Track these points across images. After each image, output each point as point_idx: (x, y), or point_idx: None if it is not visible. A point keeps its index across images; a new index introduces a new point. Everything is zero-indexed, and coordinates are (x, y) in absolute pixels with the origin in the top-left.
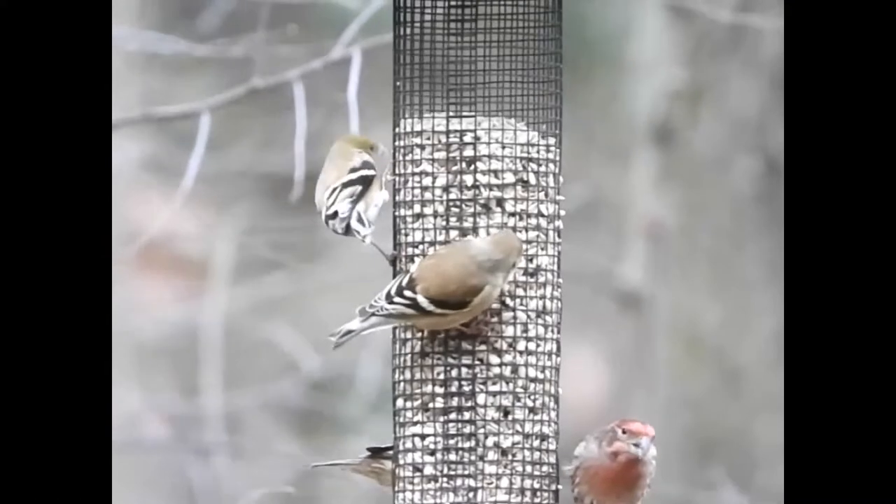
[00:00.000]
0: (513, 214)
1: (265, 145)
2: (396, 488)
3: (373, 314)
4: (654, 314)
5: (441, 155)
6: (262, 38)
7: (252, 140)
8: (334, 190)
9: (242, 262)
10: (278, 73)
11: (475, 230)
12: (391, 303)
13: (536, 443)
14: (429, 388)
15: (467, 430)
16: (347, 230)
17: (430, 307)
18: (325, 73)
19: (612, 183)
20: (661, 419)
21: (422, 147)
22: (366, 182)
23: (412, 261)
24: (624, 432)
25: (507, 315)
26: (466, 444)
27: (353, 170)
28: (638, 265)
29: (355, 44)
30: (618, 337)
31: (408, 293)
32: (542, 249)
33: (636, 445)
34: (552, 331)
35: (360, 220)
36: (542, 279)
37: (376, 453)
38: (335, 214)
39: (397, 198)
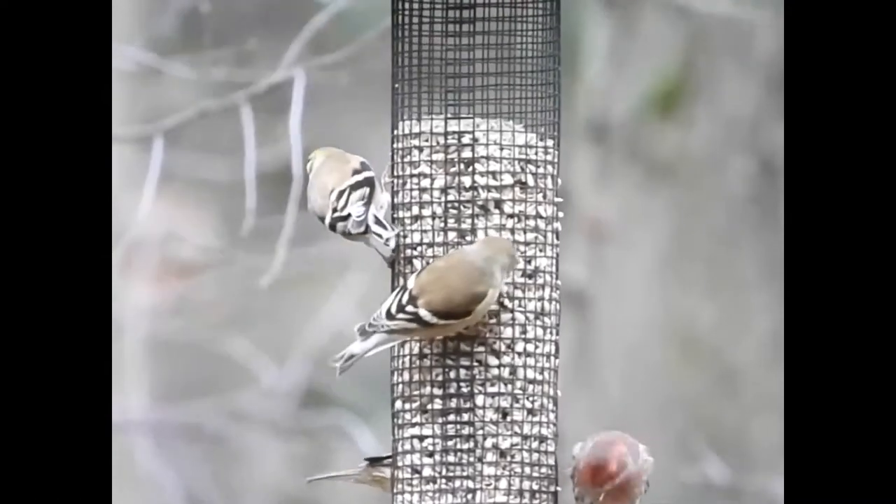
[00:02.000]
0: (511, 216)
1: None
2: (395, 490)
3: (374, 332)
4: (597, 314)
5: (439, 157)
6: (217, 53)
7: (210, 154)
8: (342, 193)
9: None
10: (227, 96)
11: (473, 232)
12: (392, 319)
13: (535, 444)
14: (427, 390)
15: (466, 431)
16: (364, 232)
17: (434, 320)
18: (274, 91)
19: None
20: (657, 420)
21: (420, 149)
22: (371, 184)
23: (410, 263)
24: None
25: (505, 317)
26: (465, 446)
27: (356, 171)
28: (581, 264)
29: (299, 64)
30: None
31: (409, 308)
32: (541, 251)
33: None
34: (551, 332)
35: (378, 223)
36: (540, 281)
37: (375, 462)
38: (347, 217)
39: (396, 199)
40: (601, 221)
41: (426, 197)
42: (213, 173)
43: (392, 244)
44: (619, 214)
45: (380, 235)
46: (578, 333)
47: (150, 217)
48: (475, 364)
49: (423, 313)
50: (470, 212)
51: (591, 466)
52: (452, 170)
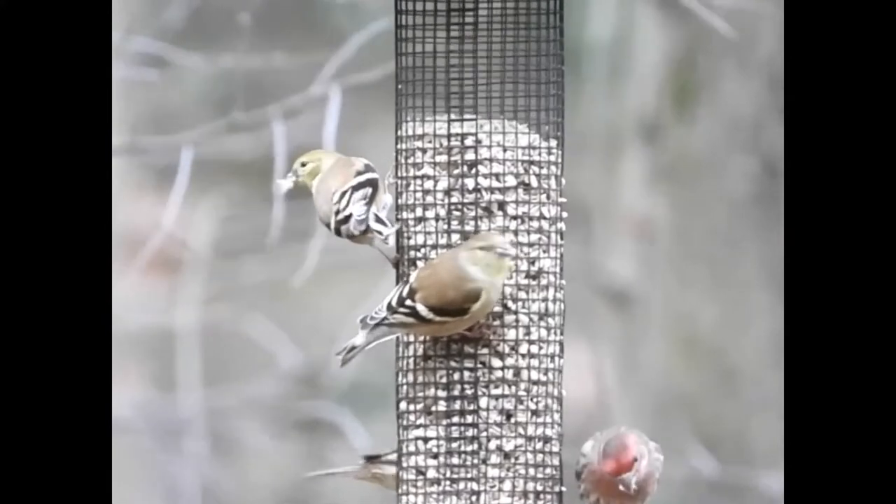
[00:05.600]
0: (514, 217)
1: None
2: (399, 491)
3: (376, 325)
4: (646, 313)
5: (442, 158)
6: (249, 63)
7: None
8: (344, 193)
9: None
10: (258, 108)
11: (477, 234)
12: (393, 313)
13: (539, 445)
14: (431, 392)
15: (470, 433)
16: (365, 232)
17: (430, 315)
18: (309, 104)
19: (600, 182)
20: (658, 419)
21: (423, 150)
22: (374, 185)
23: (414, 264)
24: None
25: (509, 318)
26: (469, 448)
27: (359, 173)
28: (628, 264)
29: (335, 80)
30: (608, 336)
31: (408, 302)
32: (545, 252)
33: (622, 483)
34: (555, 333)
35: (378, 220)
36: (544, 282)
37: (373, 459)
38: (348, 218)
39: (399, 201)
40: (649, 221)
41: (430, 199)
42: (240, 170)
43: (391, 241)
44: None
45: (380, 233)
46: (624, 332)
47: (177, 220)
48: (479, 366)
49: (420, 308)
50: (473, 213)
51: (612, 457)
52: (456, 171)
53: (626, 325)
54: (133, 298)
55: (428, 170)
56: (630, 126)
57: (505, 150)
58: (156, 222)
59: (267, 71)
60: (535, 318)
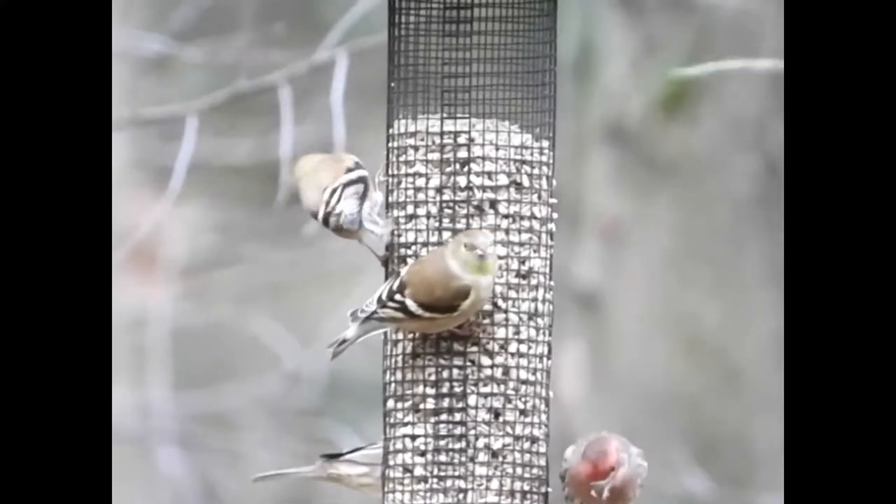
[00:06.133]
0: (506, 216)
1: (251, 148)
2: (386, 489)
3: (366, 318)
4: (645, 313)
5: (435, 156)
6: (248, 37)
7: (238, 142)
8: (334, 190)
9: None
10: (263, 76)
11: (467, 229)
12: (383, 307)
13: (527, 445)
14: (420, 389)
15: (458, 431)
16: (359, 227)
17: (420, 311)
18: (313, 74)
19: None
20: (659, 419)
21: (416, 148)
22: (365, 181)
23: (404, 262)
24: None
25: (498, 317)
26: (457, 446)
27: (350, 170)
28: (593, 265)
29: (341, 45)
30: (602, 337)
31: (398, 297)
32: (535, 252)
33: (595, 489)
34: (544, 333)
35: (371, 219)
36: (534, 281)
37: (331, 458)
38: (340, 213)
39: (390, 199)
40: (617, 222)
41: (421, 196)
42: (241, 158)
43: (385, 240)
44: (627, 215)
45: (373, 232)
46: (591, 334)
47: (177, 219)
48: (468, 364)
49: (410, 303)
50: (465, 212)
51: (590, 461)
52: (448, 169)
53: (621, 326)
54: (133, 297)
55: (420, 167)
56: (624, 127)
57: (497, 149)
58: (158, 219)
59: (269, 44)
60: (525, 317)
